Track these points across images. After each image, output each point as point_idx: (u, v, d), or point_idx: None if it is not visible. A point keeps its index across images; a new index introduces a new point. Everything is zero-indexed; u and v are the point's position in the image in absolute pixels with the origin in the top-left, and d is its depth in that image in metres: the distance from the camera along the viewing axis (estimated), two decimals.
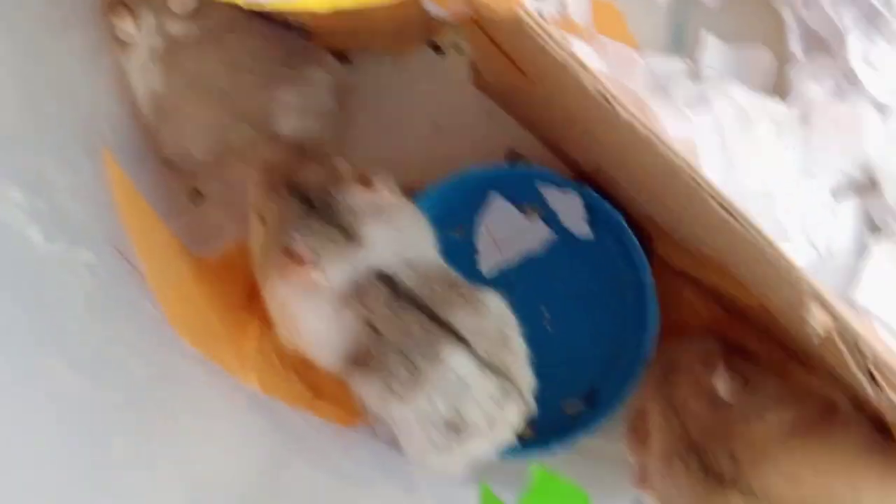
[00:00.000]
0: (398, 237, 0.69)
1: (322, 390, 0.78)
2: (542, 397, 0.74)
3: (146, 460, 0.55)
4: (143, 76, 0.77)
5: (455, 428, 0.66)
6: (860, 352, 0.59)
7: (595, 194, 0.80)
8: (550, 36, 0.55)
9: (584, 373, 0.82)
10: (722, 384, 0.69)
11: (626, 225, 0.79)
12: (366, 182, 0.69)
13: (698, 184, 0.55)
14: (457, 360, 0.66)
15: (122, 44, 0.76)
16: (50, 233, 0.55)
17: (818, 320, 0.58)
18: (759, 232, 0.55)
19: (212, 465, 0.62)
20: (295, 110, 0.78)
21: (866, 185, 0.83)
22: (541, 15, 0.55)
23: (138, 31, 0.76)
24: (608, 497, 0.75)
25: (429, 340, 0.66)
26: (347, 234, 0.67)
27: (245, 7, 0.60)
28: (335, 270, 0.66)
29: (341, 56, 0.85)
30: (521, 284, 0.81)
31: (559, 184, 0.80)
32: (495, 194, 0.82)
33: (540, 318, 0.82)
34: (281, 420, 0.73)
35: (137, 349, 0.59)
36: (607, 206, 0.79)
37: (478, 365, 0.67)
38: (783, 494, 0.65)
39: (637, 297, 0.80)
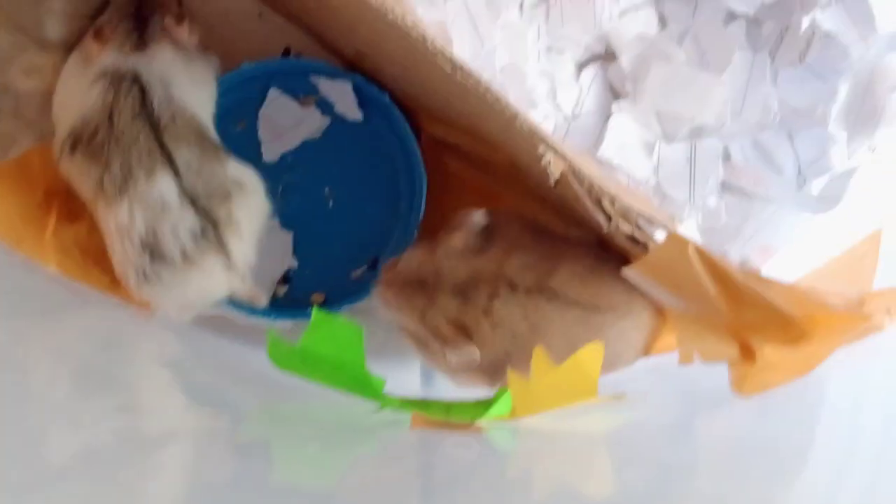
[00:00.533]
0: (179, 73, 0.78)
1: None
2: (331, 267, 0.85)
3: None
4: None
5: (150, 251, 0.74)
6: (589, 186, 0.68)
7: (362, 80, 0.86)
8: None
9: (367, 242, 0.88)
10: (459, 237, 0.76)
11: (392, 104, 0.86)
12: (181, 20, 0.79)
13: (426, 45, 0.62)
14: (164, 183, 0.74)
15: None
16: None
17: (553, 164, 0.68)
18: (489, 91, 0.63)
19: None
20: (63, 15, 0.82)
21: (605, 56, 0.92)
22: None
23: None
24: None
25: (150, 154, 0.74)
26: (142, 38, 0.77)
27: None
28: (111, 55, 0.76)
29: None
30: (302, 168, 0.88)
31: (330, 73, 0.87)
32: (274, 89, 0.88)
33: (322, 197, 0.89)
34: None
35: None
36: (374, 89, 0.86)
37: (180, 195, 0.75)
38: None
39: (407, 168, 0.87)
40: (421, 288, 0.75)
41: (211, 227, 0.75)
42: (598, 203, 0.69)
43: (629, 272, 0.69)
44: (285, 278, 0.88)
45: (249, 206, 0.78)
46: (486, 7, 0.87)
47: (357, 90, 0.87)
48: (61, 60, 0.79)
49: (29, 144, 0.82)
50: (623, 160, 0.89)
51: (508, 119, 0.64)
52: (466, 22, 0.87)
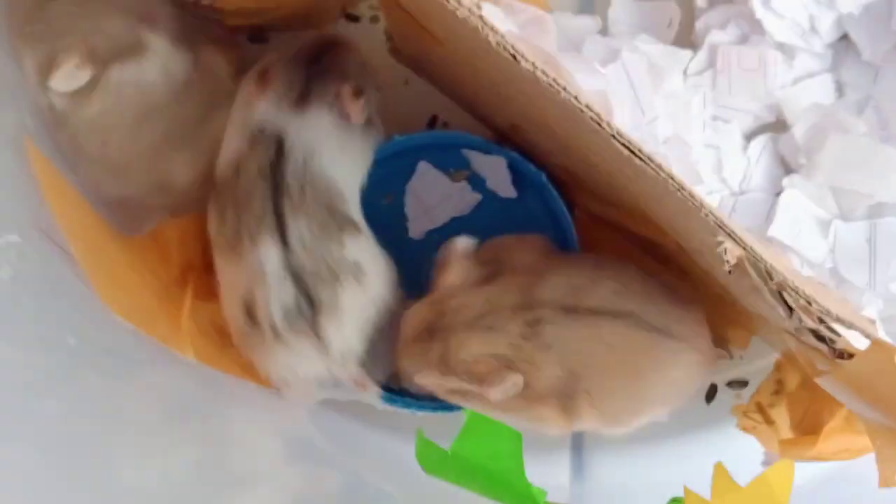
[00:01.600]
0: (330, 144, 0.74)
1: None
2: None
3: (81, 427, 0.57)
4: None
5: (248, 315, 0.70)
6: (770, 276, 0.62)
7: (517, 155, 0.81)
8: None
9: None
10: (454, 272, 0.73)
11: (548, 183, 0.81)
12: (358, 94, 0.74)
13: (602, 127, 0.57)
14: (267, 252, 0.70)
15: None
16: None
17: (729, 251, 0.62)
18: (669, 175, 0.57)
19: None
20: None
21: (776, 126, 0.86)
22: None
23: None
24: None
25: (260, 220, 0.70)
26: (305, 97, 0.73)
27: None
28: (264, 104, 0.72)
29: (257, 35, 0.87)
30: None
31: (484, 148, 0.82)
32: (424, 162, 0.83)
33: None
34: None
35: (69, 324, 0.61)
36: (530, 166, 0.81)
37: (283, 268, 0.70)
38: None
39: (562, 248, 0.81)
40: (430, 337, 0.70)
41: (308, 308, 0.70)
42: (780, 294, 0.63)
43: (822, 381, 0.63)
44: None
45: (361, 294, 0.73)
46: (647, 74, 0.82)
47: (512, 166, 0.82)
48: None
49: (163, 217, 0.78)
50: (795, 240, 0.82)
51: (690, 209, 0.58)
52: (627, 90, 0.81)
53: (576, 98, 0.57)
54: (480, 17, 0.57)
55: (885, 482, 0.61)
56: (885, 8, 0.82)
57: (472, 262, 0.73)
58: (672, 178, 0.57)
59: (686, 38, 0.87)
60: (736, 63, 0.83)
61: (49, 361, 0.56)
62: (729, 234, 0.58)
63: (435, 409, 0.78)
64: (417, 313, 0.72)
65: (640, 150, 0.57)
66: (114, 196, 0.77)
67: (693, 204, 0.58)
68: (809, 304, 0.59)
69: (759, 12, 0.82)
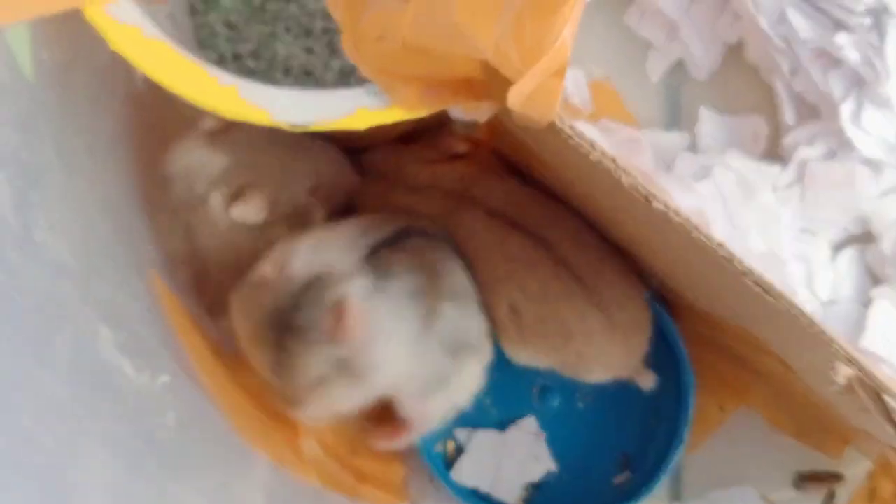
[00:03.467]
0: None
1: (363, 476, 0.81)
2: (590, 472, 0.83)
3: None
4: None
5: None
6: (882, 400, 0.63)
7: None
8: (584, 139, 0.58)
9: (627, 446, 0.85)
10: None
11: (654, 302, 0.81)
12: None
13: (732, 264, 0.59)
14: None
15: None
16: (136, 364, 0.59)
17: (841, 374, 0.63)
18: (791, 303, 0.59)
19: None
20: None
21: (864, 238, 0.87)
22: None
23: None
24: None
25: None
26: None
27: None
28: None
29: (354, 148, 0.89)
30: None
31: None
32: None
33: (575, 400, 0.86)
34: None
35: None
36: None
37: None
38: None
39: (672, 368, 0.83)
40: None
41: None
42: (890, 417, 0.64)
43: None
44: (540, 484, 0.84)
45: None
46: (738, 189, 0.83)
47: None
48: None
49: None
50: (889, 351, 0.83)
51: (818, 342, 0.59)
52: (720, 205, 0.83)
53: (706, 237, 0.59)
54: (613, 160, 0.59)
55: None
56: None
57: None
58: (803, 314, 0.58)
59: (773, 152, 0.89)
60: (824, 177, 0.84)
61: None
62: (859, 367, 0.59)
63: None
64: None
65: (771, 288, 0.59)
66: None
67: (823, 338, 0.59)
68: None
69: (849, 129, 0.83)
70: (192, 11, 0.80)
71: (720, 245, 0.59)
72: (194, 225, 0.75)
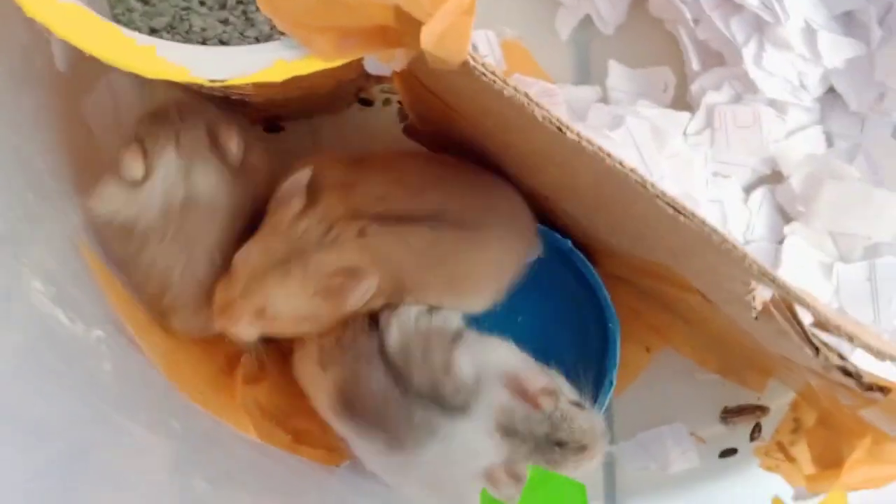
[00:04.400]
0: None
1: (301, 436, 0.83)
2: None
3: None
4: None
5: None
6: (798, 320, 0.66)
7: (542, 227, 0.84)
8: (497, 76, 0.60)
9: None
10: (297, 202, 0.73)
11: (574, 250, 0.84)
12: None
13: (646, 188, 0.61)
14: None
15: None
16: (70, 315, 0.60)
17: (757, 298, 0.66)
18: (704, 221, 0.61)
19: None
20: None
21: (773, 178, 0.90)
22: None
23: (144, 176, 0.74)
24: None
25: None
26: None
27: (198, 86, 0.65)
28: None
29: (274, 126, 0.90)
30: (481, 320, 0.83)
31: None
32: None
33: None
34: None
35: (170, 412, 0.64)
36: (556, 236, 0.84)
37: None
38: None
39: (596, 314, 0.85)
40: (286, 264, 0.71)
41: None
42: (806, 335, 0.66)
43: (867, 414, 0.66)
44: None
45: None
46: (651, 137, 0.86)
47: (540, 239, 0.85)
48: None
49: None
50: (802, 284, 0.85)
51: (733, 259, 0.62)
52: (634, 153, 0.85)
53: (620, 163, 0.61)
54: (526, 94, 0.60)
55: None
56: (866, 62, 0.87)
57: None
58: (716, 232, 0.61)
59: (682, 100, 0.92)
60: (732, 121, 0.88)
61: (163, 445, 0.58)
62: (773, 279, 0.61)
63: None
64: (256, 253, 0.73)
65: (683, 208, 0.61)
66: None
67: (736, 255, 0.61)
68: (852, 339, 0.62)
69: (752, 72, 0.86)
70: None
71: (632, 170, 0.61)
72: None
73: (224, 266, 0.75)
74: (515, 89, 0.60)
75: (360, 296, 0.71)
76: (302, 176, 0.73)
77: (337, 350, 0.73)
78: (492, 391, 0.73)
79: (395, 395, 0.72)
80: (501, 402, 0.73)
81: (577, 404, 0.76)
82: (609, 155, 0.61)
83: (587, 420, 0.75)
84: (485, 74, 0.60)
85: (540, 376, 0.75)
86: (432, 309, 0.76)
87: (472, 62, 0.59)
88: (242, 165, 0.77)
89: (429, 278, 0.75)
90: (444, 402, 0.72)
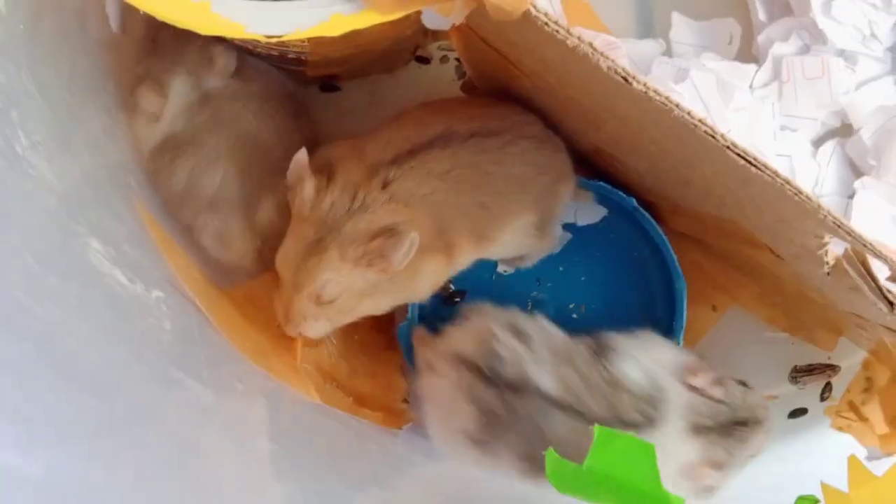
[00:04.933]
0: None
1: (362, 398, 0.82)
2: None
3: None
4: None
5: None
6: (871, 274, 0.64)
7: (607, 187, 0.83)
8: (560, 26, 0.58)
9: None
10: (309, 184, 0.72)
11: (639, 208, 0.83)
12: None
13: (715, 137, 0.59)
14: None
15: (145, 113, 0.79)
16: (128, 275, 0.59)
17: (830, 252, 0.64)
18: (776, 172, 0.59)
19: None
20: None
21: (843, 131, 0.88)
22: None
23: (164, 105, 0.78)
24: None
25: None
26: None
27: (258, 40, 0.64)
28: None
29: (329, 85, 0.89)
30: (545, 279, 0.85)
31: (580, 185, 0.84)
32: None
33: (566, 311, 0.86)
34: None
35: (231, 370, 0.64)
36: (620, 194, 0.83)
37: None
38: None
39: (662, 272, 0.84)
40: (321, 245, 0.70)
41: None
42: (880, 290, 0.64)
43: None
44: None
45: None
46: (717, 91, 0.84)
47: (604, 199, 0.85)
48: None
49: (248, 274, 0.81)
50: (874, 239, 0.83)
51: (807, 210, 0.60)
52: (700, 107, 0.84)
53: (689, 114, 0.59)
54: (590, 44, 0.59)
55: None
56: None
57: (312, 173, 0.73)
58: (789, 183, 0.59)
59: (747, 52, 0.90)
60: (800, 73, 0.85)
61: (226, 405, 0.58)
62: (849, 232, 0.60)
63: None
64: (296, 236, 0.72)
65: (755, 159, 0.59)
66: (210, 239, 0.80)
67: (810, 206, 0.59)
68: None
69: (821, 21, 0.84)
70: None
71: (701, 121, 0.59)
72: None
73: (258, 189, 0.78)
74: (580, 39, 0.59)
75: (405, 253, 0.69)
76: (300, 156, 0.72)
77: (480, 385, 0.73)
78: (672, 393, 0.74)
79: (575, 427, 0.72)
80: (684, 403, 0.74)
81: (742, 383, 0.77)
82: (678, 105, 0.59)
83: (755, 396, 0.77)
84: (547, 24, 0.58)
85: (703, 366, 0.76)
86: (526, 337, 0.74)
87: (534, 11, 0.58)
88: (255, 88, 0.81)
89: (463, 208, 0.74)
90: (626, 418, 0.72)
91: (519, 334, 0.74)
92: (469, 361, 0.72)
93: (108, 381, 0.53)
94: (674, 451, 0.73)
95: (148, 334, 0.60)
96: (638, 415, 0.72)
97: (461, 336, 0.75)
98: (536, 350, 0.73)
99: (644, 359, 0.75)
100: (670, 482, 0.68)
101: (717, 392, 0.74)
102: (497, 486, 0.79)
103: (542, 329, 0.75)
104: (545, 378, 0.72)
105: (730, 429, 0.74)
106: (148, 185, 0.78)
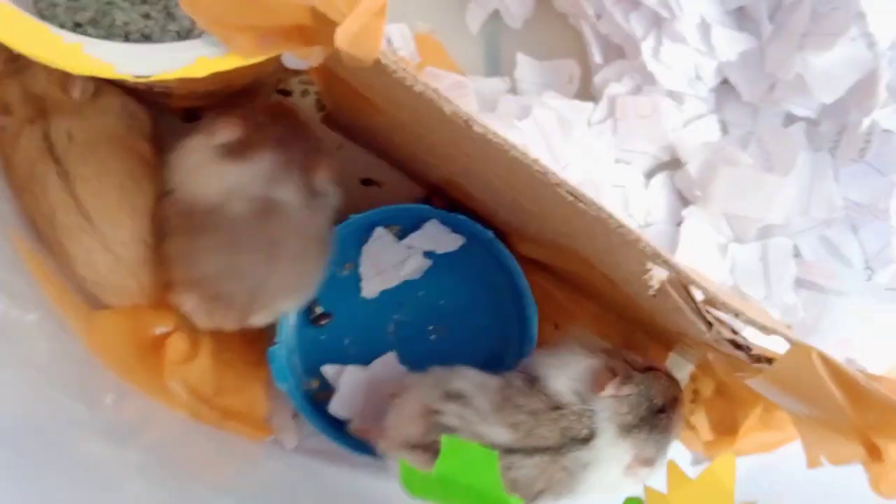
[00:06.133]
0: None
1: (229, 413, 0.86)
2: None
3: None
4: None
5: None
6: (691, 297, 0.71)
7: (466, 219, 0.89)
8: (408, 73, 0.64)
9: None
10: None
11: (496, 239, 0.89)
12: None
13: (547, 177, 0.65)
14: None
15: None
16: (4, 301, 0.63)
17: (655, 277, 0.71)
18: (601, 207, 0.66)
19: None
20: None
21: (672, 164, 0.96)
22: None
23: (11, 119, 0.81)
24: None
25: None
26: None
27: (122, 80, 0.68)
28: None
29: (192, 115, 0.93)
30: (407, 303, 0.91)
31: (441, 217, 0.90)
32: (380, 228, 0.91)
33: (425, 333, 0.92)
34: None
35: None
36: (478, 226, 0.89)
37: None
38: None
39: (515, 297, 0.91)
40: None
41: None
42: (699, 311, 0.71)
43: (754, 384, 0.71)
44: None
45: None
46: (557, 127, 0.90)
47: (462, 229, 0.90)
48: None
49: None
50: (699, 264, 0.91)
51: (628, 242, 0.66)
52: (541, 142, 0.90)
53: (524, 154, 0.65)
54: (435, 90, 0.64)
55: (811, 464, 0.69)
56: (758, 55, 0.92)
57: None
58: (611, 217, 0.66)
59: (586, 91, 0.97)
60: (633, 111, 0.92)
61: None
62: (665, 261, 0.66)
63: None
64: None
65: (582, 196, 0.65)
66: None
67: (631, 238, 0.66)
68: (737, 314, 0.67)
69: (651, 64, 0.91)
70: None
71: (535, 161, 0.65)
72: None
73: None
74: (425, 85, 0.64)
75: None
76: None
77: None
78: (595, 403, 0.77)
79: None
80: (607, 407, 0.77)
81: (649, 368, 0.81)
82: (514, 147, 0.65)
83: (659, 375, 0.80)
84: (395, 71, 0.63)
85: (604, 374, 0.78)
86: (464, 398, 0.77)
87: (384, 60, 0.63)
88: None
89: None
90: (577, 435, 0.76)
91: (457, 398, 0.76)
92: (421, 444, 0.75)
93: None
94: (614, 455, 0.77)
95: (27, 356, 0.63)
96: (585, 429, 0.76)
97: (402, 423, 0.78)
98: (478, 406, 0.76)
99: (564, 377, 0.78)
100: (618, 484, 0.74)
101: (626, 391, 0.77)
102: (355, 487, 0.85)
103: (471, 380, 0.78)
104: (498, 431, 0.75)
105: (653, 420, 0.78)
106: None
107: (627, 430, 0.77)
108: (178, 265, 0.79)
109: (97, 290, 0.81)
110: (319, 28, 0.63)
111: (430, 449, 0.75)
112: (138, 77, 0.66)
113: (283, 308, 0.83)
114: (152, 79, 0.67)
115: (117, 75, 0.66)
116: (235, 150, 0.79)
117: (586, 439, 0.76)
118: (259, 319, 0.81)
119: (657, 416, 0.78)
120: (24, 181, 0.81)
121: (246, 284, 0.79)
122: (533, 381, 0.78)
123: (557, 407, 0.76)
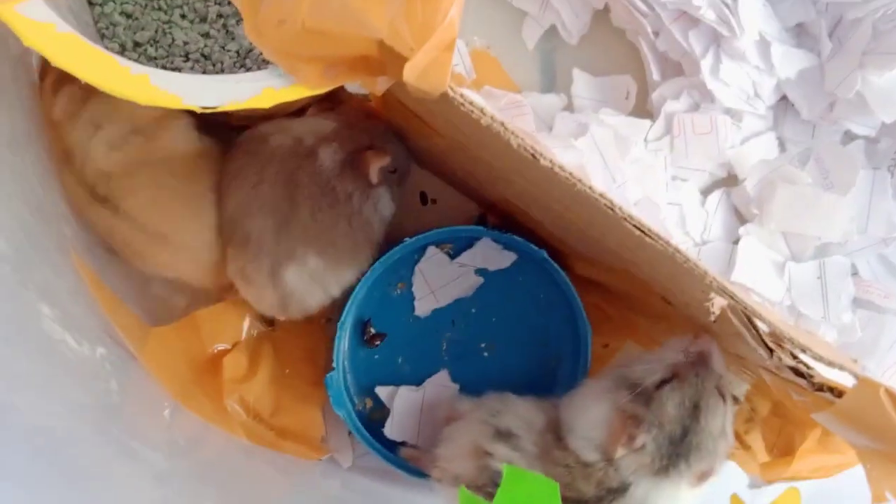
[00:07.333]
0: None
1: (284, 432, 0.87)
2: None
3: None
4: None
5: None
6: (753, 325, 0.70)
7: (520, 239, 0.89)
8: (475, 107, 0.64)
9: (528, 387, 0.88)
10: None
11: (548, 259, 0.89)
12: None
13: (615, 213, 0.65)
14: None
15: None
16: (76, 337, 0.63)
17: (716, 304, 0.70)
18: (668, 243, 0.66)
19: None
20: None
21: (729, 182, 0.95)
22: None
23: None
24: None
25: None
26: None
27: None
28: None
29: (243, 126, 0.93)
30: (459, 321, 0.91)
31: (494, 238, 0.90)
32: (432, 247, 0.90)
33: (478, 350, 0.92)
34: None
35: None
36: (531, 246, 0.89)
37: None
38: None
39: (568, 316, 0.91)
40: None
41: None
42: (761, 338, 0.71)
43: (819, 418, 0.71)
44: None
45: None
46: (614, 144, 0.90)
47: (514, 247, 0.90)
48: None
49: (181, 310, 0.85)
50: (756, 282, 0.91)
51: (694, 275, 0.66)
52: (598, 159, 0.90)
53: (590, 188, 0.65)
54: (502, 123, 0.64)
55: (877, 499, 0.69)
56: (817, 73, 0.92)
57: None
58: (679, 252, 0.65)
59: (642, 108, 0.96)
60: (690, 128, 0.92)
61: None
62: (732, 295, 0.66)
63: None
64: None
65: (649, 230, 0.65)
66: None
67: (698, 272, 0.66)
68: (804, 350, 0.67)
69: (710, 82, 0.91)
70: (90, 4, 0.83)
71: (602, 195, 0.65)
72: None
73: None
74: (493, 118, 0.64)
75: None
76: None
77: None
78: (620, 461, 0.75)
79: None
80: (629, 464, 0.75)
81: (658, 385, 0.76)
82: (580, 181, 0.65)
83: (671, 395, 0.76)
84: (463, 105, 0.63)
85: (614, 436, 0.75)
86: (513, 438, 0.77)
87: (451, 94, 0.63)
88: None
89: None
90: (613, 486, 0.75)
91: (507, 437, 0.76)
92: (473, 486, 0.75)
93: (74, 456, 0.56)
94: (662, 493, 0.75)
95: (99, 395, 0.64)
96: (616, 482, 0.75)
97: (454, 458, 0.78)
98: (525, 448, 0.76)
99: (582, 435, 0.76)
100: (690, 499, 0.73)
101: (640, 441, 0.75)
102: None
103: (520, 416, 0.78)
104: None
105: (681, 445, 0.75)
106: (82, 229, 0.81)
107: (662, 471, 0.75)
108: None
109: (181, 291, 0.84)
110: (386, 60, 0.63)
111: (482, 490, 0.74)
112: (205, 108, 0.66)
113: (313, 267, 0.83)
114: (218, 110, 0.67)
115: (184, 106, 0.66)
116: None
117: (622, 490, 0.75)
118: (292, 277, 0.82)
119: (683, 440, 0.75)
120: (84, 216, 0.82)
121: (271, 221, 0.81)
122: (560, 437, 0.77)
123: (586, 465, 0.75)
